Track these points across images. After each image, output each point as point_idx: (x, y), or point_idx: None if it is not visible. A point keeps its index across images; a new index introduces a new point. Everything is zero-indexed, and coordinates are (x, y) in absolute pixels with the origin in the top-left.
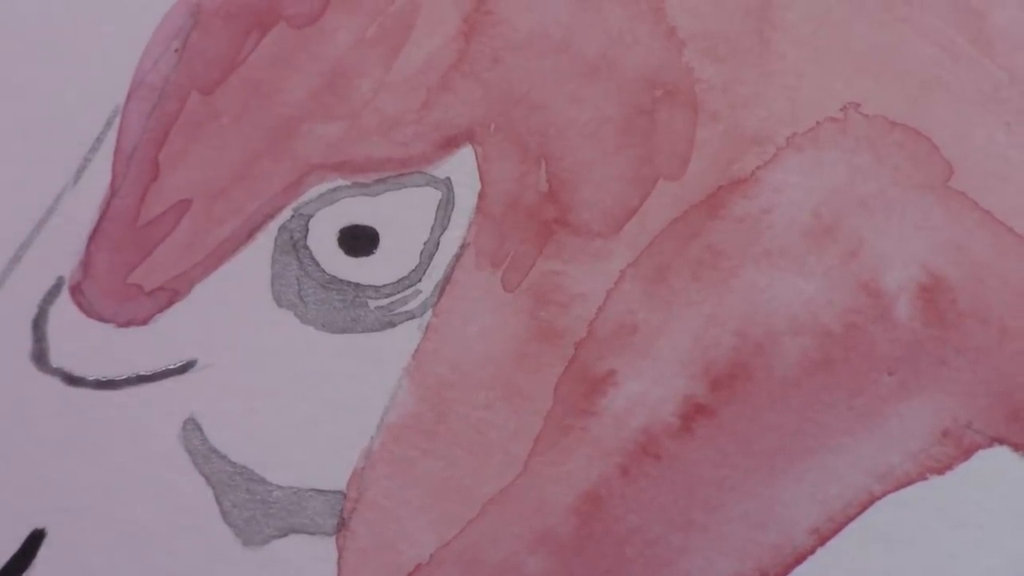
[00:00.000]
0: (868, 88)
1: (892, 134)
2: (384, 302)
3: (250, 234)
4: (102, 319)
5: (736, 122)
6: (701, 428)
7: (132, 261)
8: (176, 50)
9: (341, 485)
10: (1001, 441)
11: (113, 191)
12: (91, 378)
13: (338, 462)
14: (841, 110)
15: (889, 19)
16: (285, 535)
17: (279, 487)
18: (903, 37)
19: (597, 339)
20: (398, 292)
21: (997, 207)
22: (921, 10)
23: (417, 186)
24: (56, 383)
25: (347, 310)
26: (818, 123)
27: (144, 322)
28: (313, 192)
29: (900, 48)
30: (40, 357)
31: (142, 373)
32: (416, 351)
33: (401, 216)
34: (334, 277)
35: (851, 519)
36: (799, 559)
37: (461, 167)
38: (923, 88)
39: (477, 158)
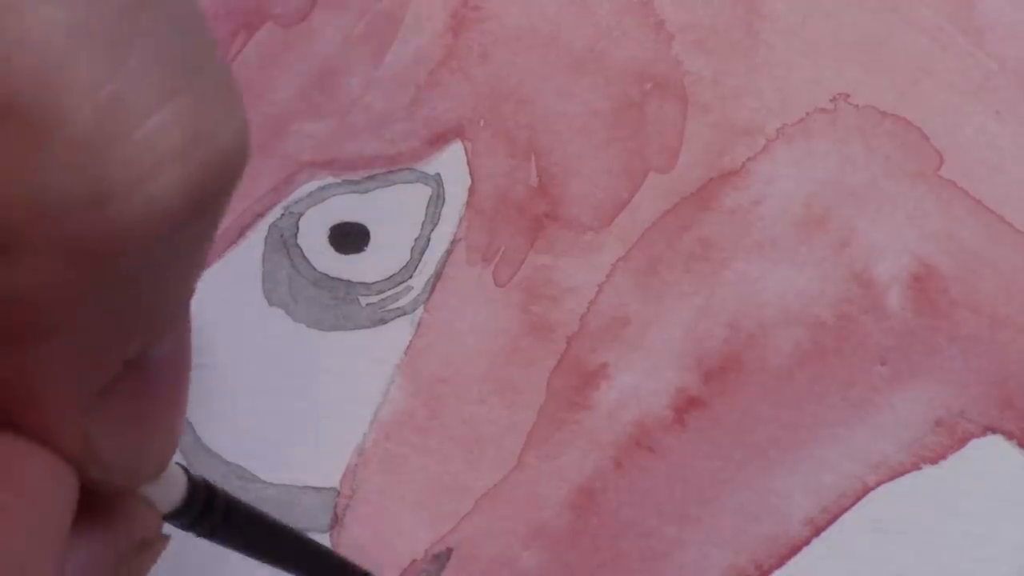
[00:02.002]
0: (858, 78)
1: (882, 124)
2: (375, 299)
3: (240, 233)
4: None
5: (726, 114)
6: (694, 420)
7: None
8: None
9: (335, 482)
10: (994, 430)
11: None
12: None
13: (331, 459)
14: (831, 100)
15: (878, 8)
16: None
17: (272, 485)
18: (893, 27)
19: (589, 332)
20: (389, 289)
21: (988, 196)
22: None
23: (407, 182)
24: None
25: (338, 307)
26: (808, 114)
27: None
28: (303, 190)
29: (890, 38)
30: None
31: None
32: (408, 347)
33: (391, 213)
34: (325, 275)
35: (845, 510)
36: (794, 550)
37: (451, 163)
38: (913, 78)
39: (467, 153)
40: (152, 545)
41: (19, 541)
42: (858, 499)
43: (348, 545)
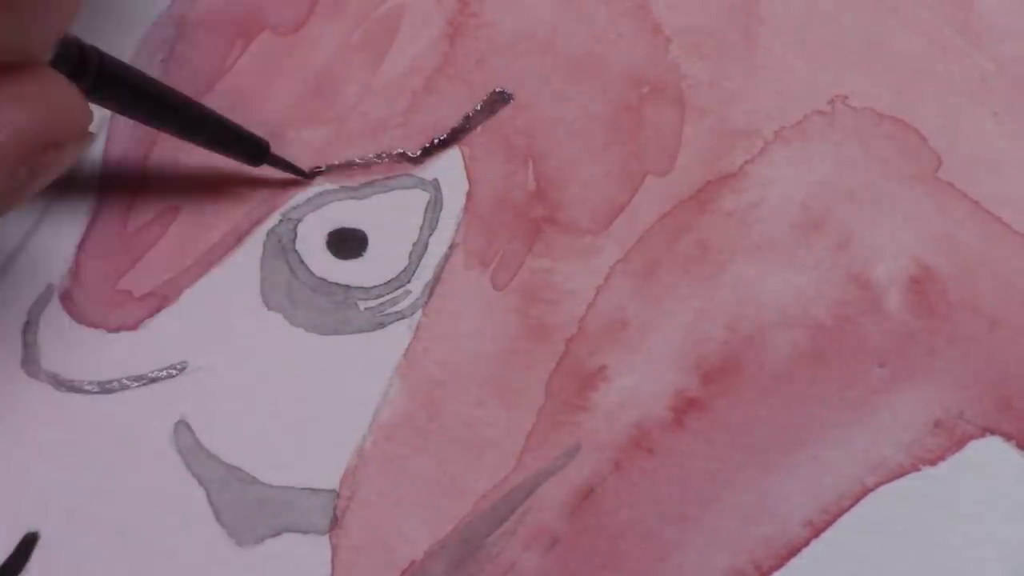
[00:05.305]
0: (855, 80)
1: (880, 126)
2: (374, 303)
3: (239, 239)
4: (92, 325)
5: (723, 117)
6: (693, 422)
7: (121, 267)
8: (161, 61)
9: (334, 484)
10: (993, 431)
11: (102, 198)
12: (82, 382)
13: (330, 461)
14: (829, 103)
15: (876, 10)
16: (278, 534)
17: (272, 487)
18: (890, 28)
19: (588, 335)
20: (388, 293)
21: (986, 197)
22: (908, 1)
23: (405, 188)
24: (47, 388)
25: (337, 312)
26: (806, 116)
27: (134, 327)
28: (301, 196)
29: (887, 39)
30: (31, 363)
31: (133, 376)
32: (407, 351)
33: (389, 218)
34: (323, 280)
35: (844, 511)
36: (793, 551)
37: (448, 168)
38: (911, 79)
39: (464, 159)
40: (63, 147)
41: None
42: (857, 500)
43: (347, 547)
